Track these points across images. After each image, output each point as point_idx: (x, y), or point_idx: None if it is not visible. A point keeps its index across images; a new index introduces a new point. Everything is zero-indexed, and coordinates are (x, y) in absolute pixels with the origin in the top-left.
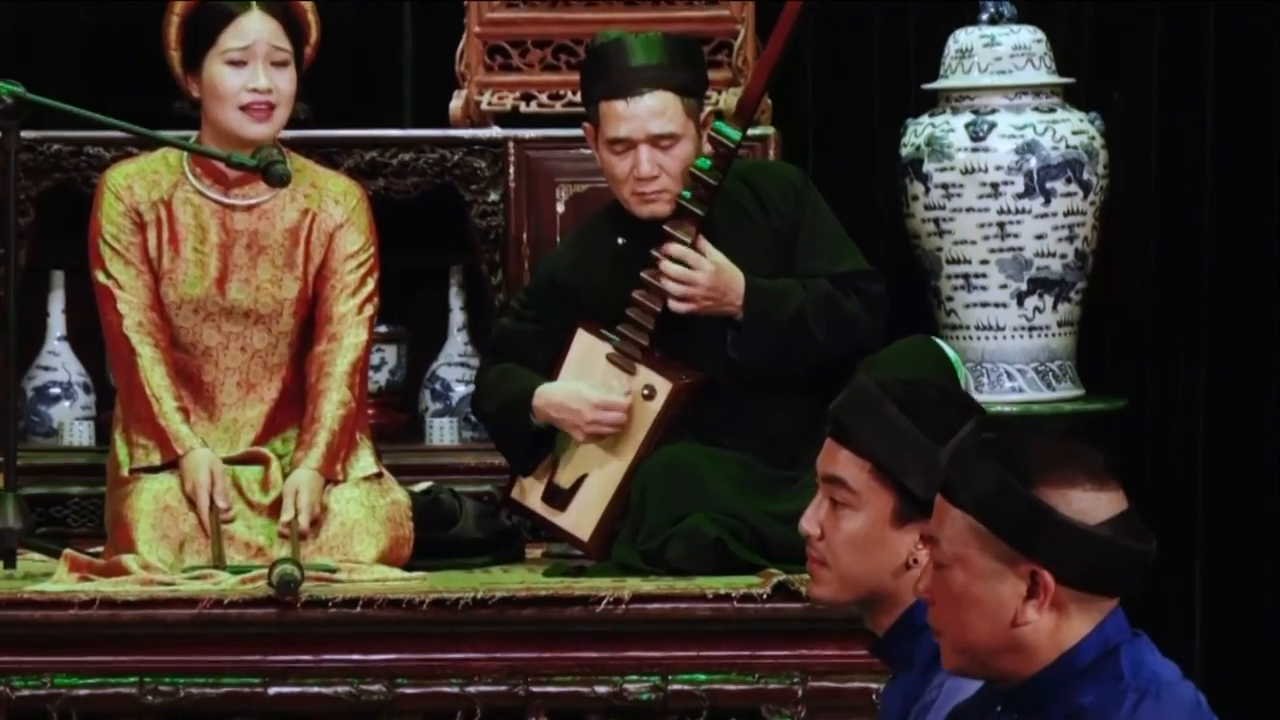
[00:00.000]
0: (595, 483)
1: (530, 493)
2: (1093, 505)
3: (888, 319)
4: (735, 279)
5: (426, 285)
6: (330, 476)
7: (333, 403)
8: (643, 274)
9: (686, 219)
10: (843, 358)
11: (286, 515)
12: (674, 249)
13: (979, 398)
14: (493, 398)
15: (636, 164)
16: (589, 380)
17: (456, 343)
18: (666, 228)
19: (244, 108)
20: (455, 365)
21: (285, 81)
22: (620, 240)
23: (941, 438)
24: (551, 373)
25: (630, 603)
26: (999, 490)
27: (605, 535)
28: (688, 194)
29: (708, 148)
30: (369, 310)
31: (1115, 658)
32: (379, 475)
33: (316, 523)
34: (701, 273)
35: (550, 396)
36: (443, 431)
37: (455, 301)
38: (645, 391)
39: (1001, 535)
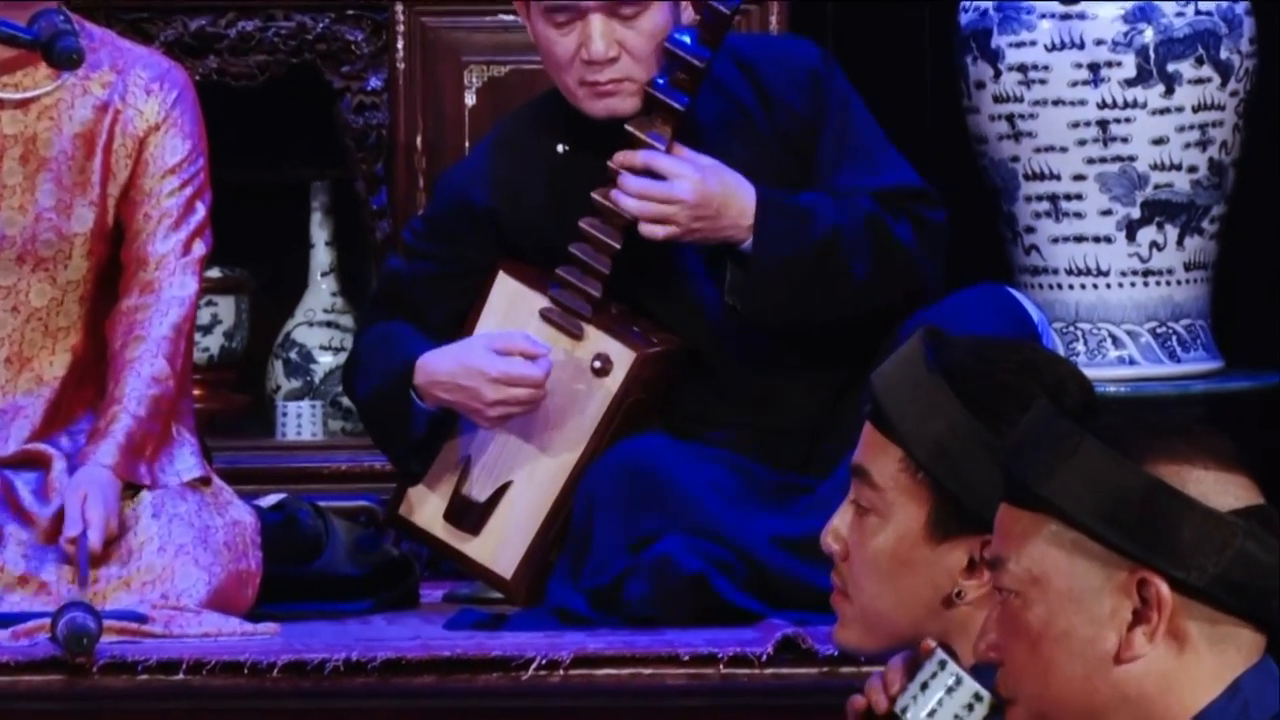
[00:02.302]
0: (522, 494)
1: (427, 509)
2: (1217, 490)
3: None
4: (736, 190)
5: (278, 211)
6: (130, 478)
7: (142, 378)
8: (593, 195)
9: (659, 116)
10: (887, 307)
11: (69, 530)
12: (639, 155)
13: None
14: (365, 374)
15: (586, 41)
16: None
17: (321, 293)
18: (629, 128)
19: None
20: (319, 325)
21: None
22: (561, 148)
23: (1008, 422)
24: (459, 336)
25: (571, 667)
26: (1099, 471)
27: (535, 569)
28: (661, 81)
29: (689, 15)
30: (198, 249)
31: None
32: (206, 481)
33: (112, 543)
34: (682, 182)
35: (433, 368)
36: (301, 421)
37: (319, 234)
38: (596, 364)
39: (1100, 532)
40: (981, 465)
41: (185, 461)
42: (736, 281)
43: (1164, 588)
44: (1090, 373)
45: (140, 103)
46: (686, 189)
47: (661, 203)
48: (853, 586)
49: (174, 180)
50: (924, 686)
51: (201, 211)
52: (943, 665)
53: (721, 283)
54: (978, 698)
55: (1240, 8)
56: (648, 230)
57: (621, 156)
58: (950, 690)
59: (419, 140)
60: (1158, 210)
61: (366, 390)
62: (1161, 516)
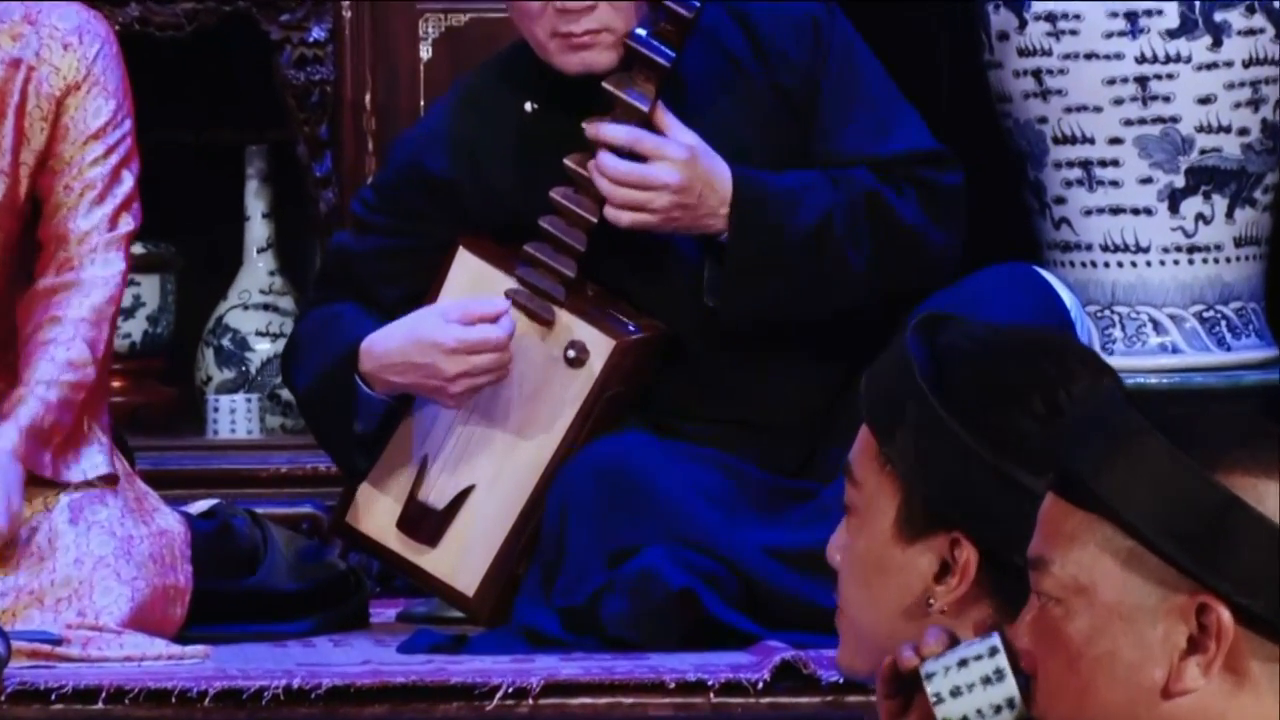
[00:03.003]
0: (485, 500)
1: (378, 517)
2: None
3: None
4: (717, 175)
5: (208, 179)
6: (31, 466)
7: (57, 362)
8: (567, 162)
9: (640, 73)
10: (898, 292)
11: None
12: (618, 132)
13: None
14: (305, 362)
15: None
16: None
17: (257, 271)
18: (607, 87)
19: None
20: (255, 309)
21: None
22: (529, 106)
23: (988, 419)
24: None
25: (541, 695)
26: (1165, 476)
27: (501, 585)
28: (643, 32)
29: None
30: (125, 224)
31: None
32: (113, 479)
33: (14, 544)
34: (667, 167)
35: (381, 349)
36: (235, 416)
37: (255, 205)
38: (570, 352)
39: (1161, 546)
40: (952, 463)
41: (92, 459)
42: (714, 278)
43: (1226, 615)
44: (1129, 362)
45: (56, 58)
46: (671, 174)
47: (640, 189)
48: (841, 599)
49: (98, 147)
50: (962, 663)
51: (129, 182)
52: (993, 652)
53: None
54: (1010, 703)
55: None
56: (614, 216)
57: (599, 130)
58: (987, 681)
59: (368, 99)
60: (1204, 178)
61: (306, 380)
62: (1232, 536)
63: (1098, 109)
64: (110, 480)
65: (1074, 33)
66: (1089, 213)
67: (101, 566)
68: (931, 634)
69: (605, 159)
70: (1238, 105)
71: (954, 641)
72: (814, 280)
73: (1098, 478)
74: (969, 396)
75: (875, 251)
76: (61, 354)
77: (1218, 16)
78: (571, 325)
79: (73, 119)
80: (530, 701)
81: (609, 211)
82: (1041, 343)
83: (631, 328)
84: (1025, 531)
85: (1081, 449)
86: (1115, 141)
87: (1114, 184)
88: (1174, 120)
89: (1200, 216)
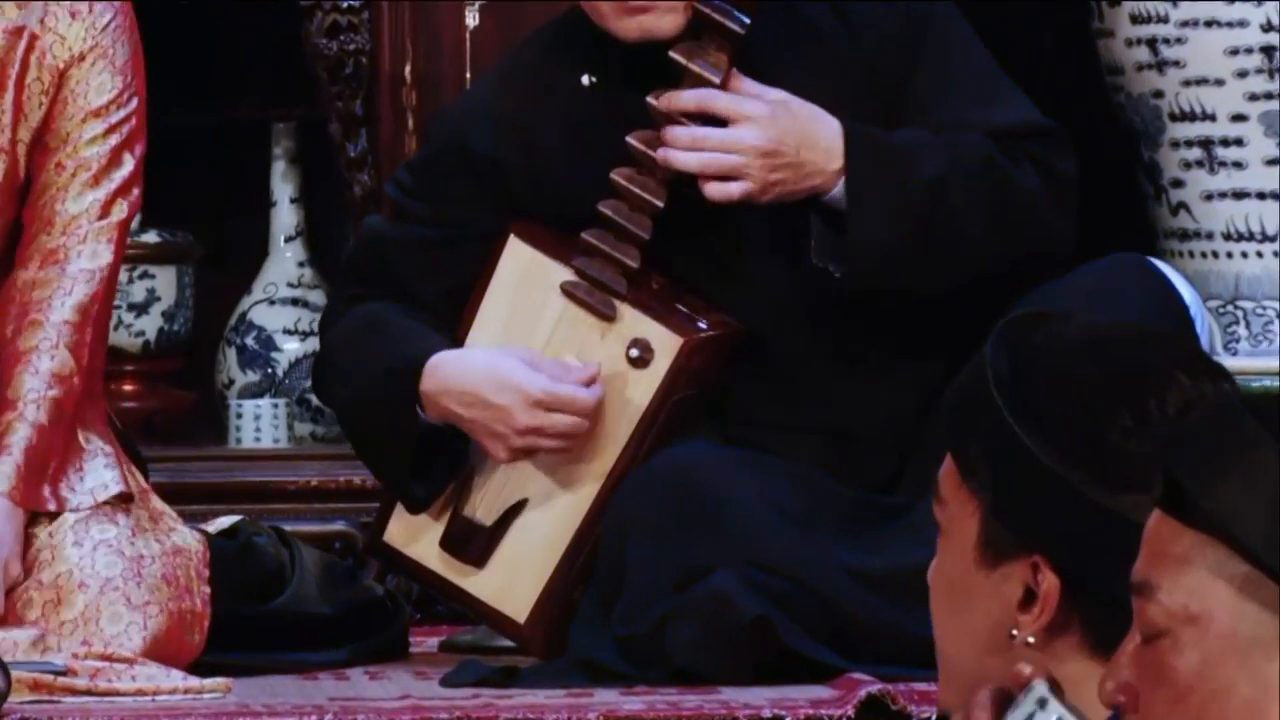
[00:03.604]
0: (538, 517)
1: (419, 535)
2: None
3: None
4: (817, 127)
5: (230, 161)
6: (34, 505)
7: (40, 375)
8: (630, 140)
9: (711, 41)
10: (1013, 271)
11: None
12: (686, 95)
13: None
14: (348, 369)
15: None
16: (525, 334)
17: (285, 262)
18: (675, 56)
19: None
20: (282, 304)
21: None
22: (587, 79)
23: (1071, 437)
24: (460, 319)
25: None
26: None
27: (555, 610)
28: None
29: None
30: (119, 212)
31: None
32: (128, 498)
33: (14, 588)
34: (749, 126)
35: (452, 374)
36: (260, 423)
37: (282, 189)
38: (633, 352)
39: None
40: (1027, 482)
41: (99, 476)
42: (825, 241)
43: None
44: (1254, 363)
45: (63, 27)
46: (754, 134)
47: (724, 153)
48: (933, 626)
49: (98, 125)
50: None
51: (129, 166)
52: (1042, 704)
53: (791, 249)
54: None
55: None
56: (718, 191)
57: (666, 99)
58: None
59: (408, 70)
60: None
61: (352, 393)
62: None
63: (1219, 82)
64: (125, 499)
65: None
66: (1209, 197)
67: (110, 591)
68: (979, 706)
69: (675, 130)
70: None
71: (1050, 683)
72: (932, 244)
73: (1209, 494)
74: (1046, 408)
75: (993, 217)
76: (45, 365)
77: None
78: (635, 322)
79: (74, 92)
80: None
81: (709, 188)
82: (1136, 344)
83: (701, 324)
84: (1112, 556)
85: (1192, 462)
86: (1239, 118)
87: (1237, 165)
88: None
89: None
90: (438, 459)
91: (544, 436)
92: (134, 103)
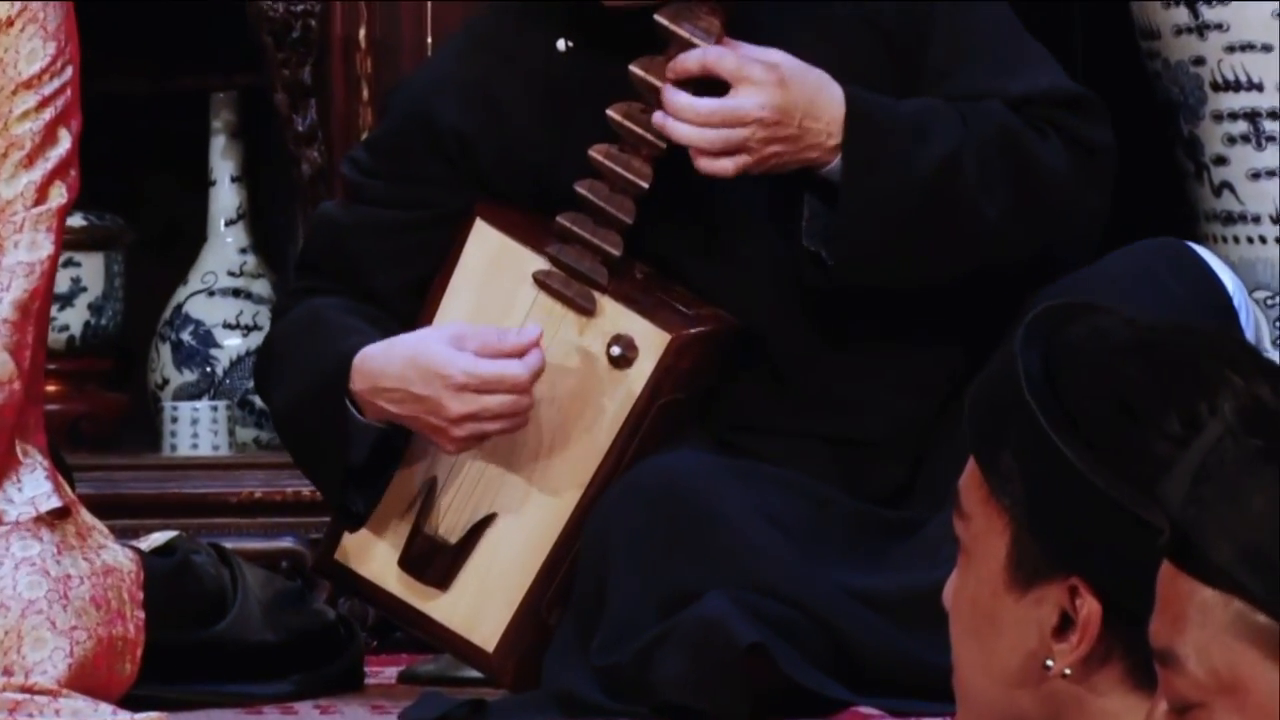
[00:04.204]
0: (509, 533)
1: (375, 554)
2: None
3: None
4: (821, 96)
5: (164, 135)
6: None
7: None
8: (611, 114)
9: (701, 3)
10: (1035, 257)
11: None
12: (689, 58)
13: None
14: (285, 372)
15: None
16: (484, 323)
17: (225, 249)
18: (661, 20)
19: None
20: (223, 295)
21: None
22: (562, 44)
23: (1113, 448)
24: (421, 312)
25: None
26: None
27: (527, 638)
28: None
29: None
30: (58, 196)
31: None
32: (65, 513)
33: None
34: (754, 91)
35: (378, 368)
36: (198, 428)
37: (222, 166)
38: (614, 349)
39: None
40: (1064, 495)
41: (38, 487)
42: (819, 222)
43: None
44: None
45: None
46: (761, 100)
47: (730, 126)
48: (953, 653)
49: (30, 98)
50: None
51: (66, 143)
52: None
53: (788, 233)
54: None
55: None
56: (712, 166)
57: (676, 61)
58: None
59: (362, 35)
60: None
61: (285, 397)
62: None
63: (1267, 47)
64: (62, 514)
65: None
66: (1256, 176)
67: (32, 614)
68: None
69: (678, 96)
70: None
71: None
72: (940, 227)
73: (1218, 545)
74: (1085, 411)
75: (1011, 199)
76: None
77: None
78: (616, 316)
79: (1, 63)
80: None
81: (704, 163)
82: (1184, 340)
83: (691, 319)
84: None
85: (1195, 507)
86: None
87: None
88: None
89: None
90: (384, 468)
91: (483, 422)
92: (68, 71)
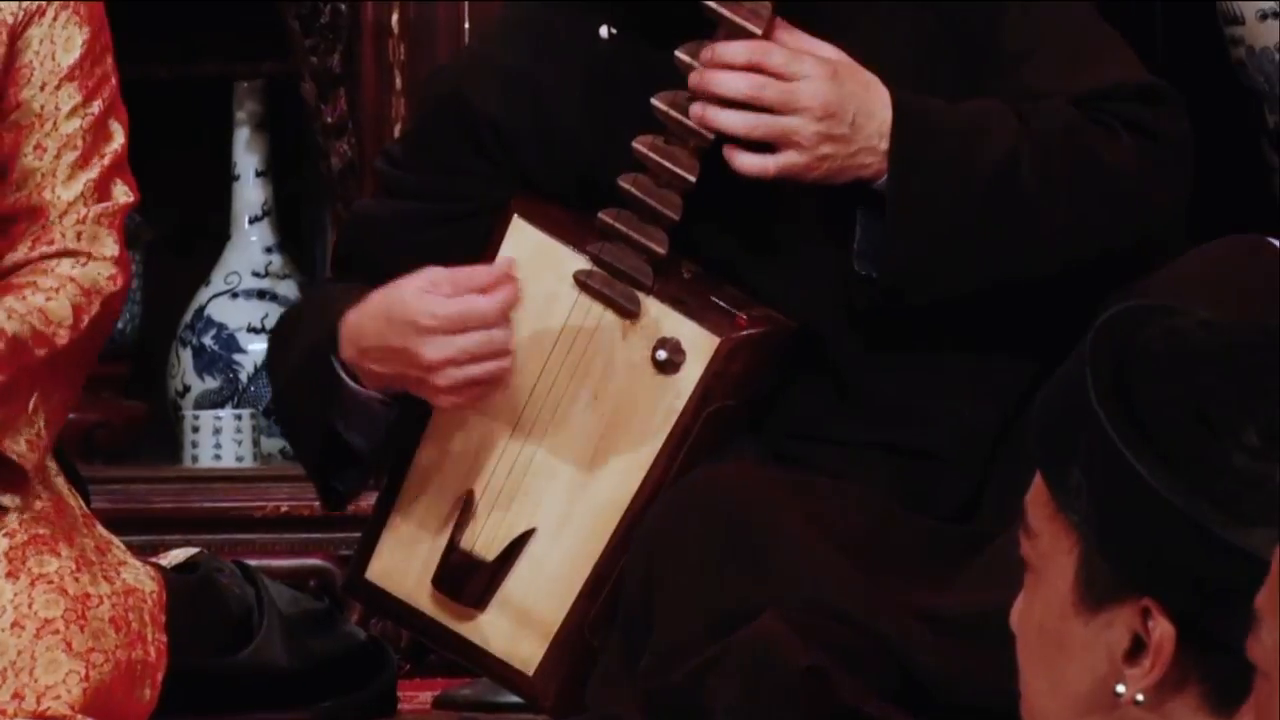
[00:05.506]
0: (549, 549)
1: (408, 572)
2: None
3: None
4: (872, 97)
5: (186, 126)
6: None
7: (29, 303)
8: (656, 103)
9: None
10: (1105, 262)
11: None
12: (736, 47)
13: None
14: (285, 351)
15: None
16: (530, 333)
17: (249, 248)
18: (710, 3)
19: None
20: (247, 296)
21: None
22: (606, 31)
23: (1188, 461)
24: None
25: None
26: None
27: (570, 660)
28: None
29: None
30: (123, 194)
31: None
32: (22, 475)
33: None
34: (806, 84)
35: (359, 333)
36: (222, 438)
37: (246, 160)
38: (660, 354)
39: None
40: (1136, 512)
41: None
42: (869, 238)
43: None
44: None
45: None
46: (812, 92)
47: (778, 114)
48: (1020, 679)
49: (73, 90)
50: None
51: (120, 137)
52: None
53: (846, 230)
54: None
55: None
56: (750, 164)
57: (713, 50)
58: None
59: (395, 20)
60: None
61: (284, 379)
62: None
63: None
64: (66, 480)
65: None
66: None
67: (48, 635)
68: None
69: (726, 79)
70: None
71: None
72: (997, 240)
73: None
74: (1158, 422)
75: (1076, 206)
76: (37, 300)
77: None
78: (662, 318)
79: (38, 55)
80: None
81: (743, 159)
82: (1264, 346)
83: (742, 320)
84: (1237, 600)
85: (1246, 549)
86: None
87: None
88: None
89: None
90: (381, 454)
91: (463, 365)
92: (108, 58)
